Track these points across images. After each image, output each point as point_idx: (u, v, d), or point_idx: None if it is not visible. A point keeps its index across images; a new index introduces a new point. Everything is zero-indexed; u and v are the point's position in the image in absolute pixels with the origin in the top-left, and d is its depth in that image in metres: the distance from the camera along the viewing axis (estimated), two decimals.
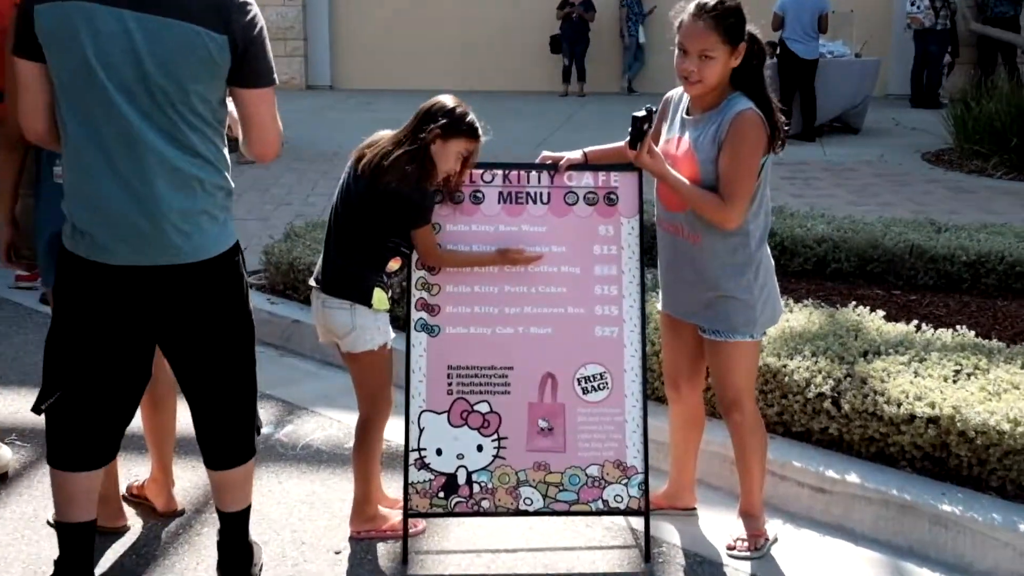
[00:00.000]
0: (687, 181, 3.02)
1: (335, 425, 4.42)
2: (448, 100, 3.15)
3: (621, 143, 3.50)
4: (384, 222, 3.14)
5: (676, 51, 3.01)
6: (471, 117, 3.17)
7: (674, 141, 3.14)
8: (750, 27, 3.02)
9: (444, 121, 3.10)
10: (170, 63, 2.52)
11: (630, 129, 2.99)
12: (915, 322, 4.40)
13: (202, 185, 2.64)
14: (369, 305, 3.19)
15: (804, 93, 11.66)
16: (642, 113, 2.99)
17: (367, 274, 3.18)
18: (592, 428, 3.37)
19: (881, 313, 4.46)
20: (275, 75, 2.68)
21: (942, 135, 11.03)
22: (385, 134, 3.21)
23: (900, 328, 4.29)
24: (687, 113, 3.13)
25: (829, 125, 12.76)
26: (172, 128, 2.56)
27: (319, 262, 3.29)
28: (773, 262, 3.20)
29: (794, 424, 3.85)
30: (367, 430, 3.34)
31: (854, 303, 4.66)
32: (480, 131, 3.19)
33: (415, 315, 3.38)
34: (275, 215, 8.12)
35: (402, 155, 3.08)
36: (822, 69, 12.02)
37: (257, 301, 5.69)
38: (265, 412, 4.55)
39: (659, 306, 3.39)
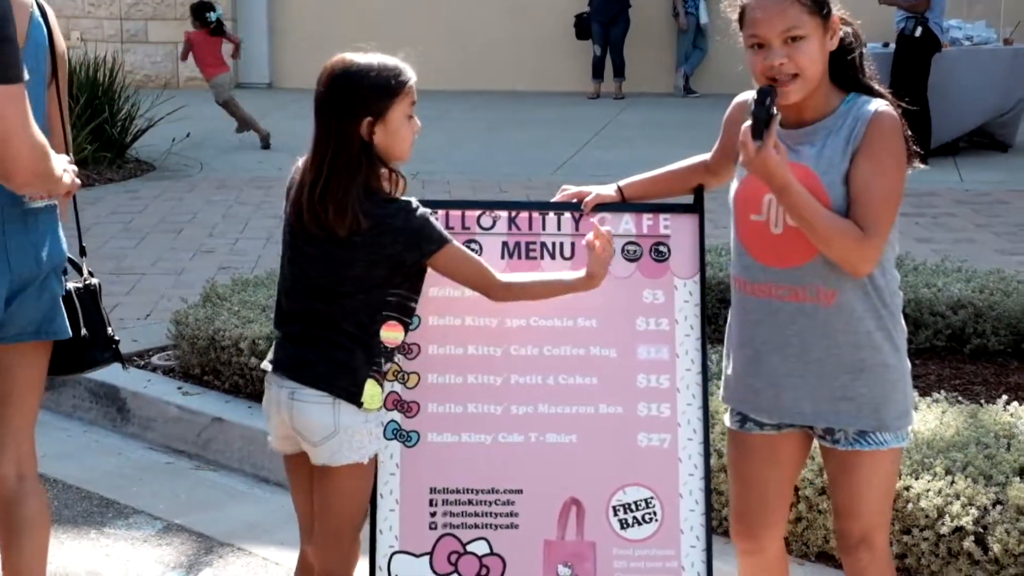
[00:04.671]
0: (813, 199, 2.97)
1: (272, 569, 4.40)
2: (346, 63, 3.13)
3: (669, 168, 3.53)
4: (370, 275, 3.13)
5: (748, 52, 3.04)
6: (389, 62, 3.15)
7: None
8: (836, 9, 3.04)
9: (369, 97, 3.09)
10: None
11: (753, 109, 2.91)
12: None
13: None
14: (359, 404, 3.17)
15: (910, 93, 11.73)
16: (767, 85, 2.93)
17: (358, 357, 3.16)
18: None
19: None
20: (22, 70, 2.85)
21: None
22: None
23: None
24: (783, 127, 3.08)
25: (968, 139, 12.82)
26: None
27: (276, 341, 3.30)
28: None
29: (921, 571, 3.82)
30: None
31: (1005, 396, 4.65)
32: (409, 70, 3.17)
33: (384, 417, 3.36)
34: (190, 267, 8.18)
35: (338, 182, 3.07)
36: (956, 61, 12.10)
37: (162, 391, 5.71)
38: (172, 550, 4.54)
39: (727, 421, 3.32)
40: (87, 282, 3.48)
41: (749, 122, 2.90)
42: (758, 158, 2.89)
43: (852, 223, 2.95)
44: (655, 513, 3.38)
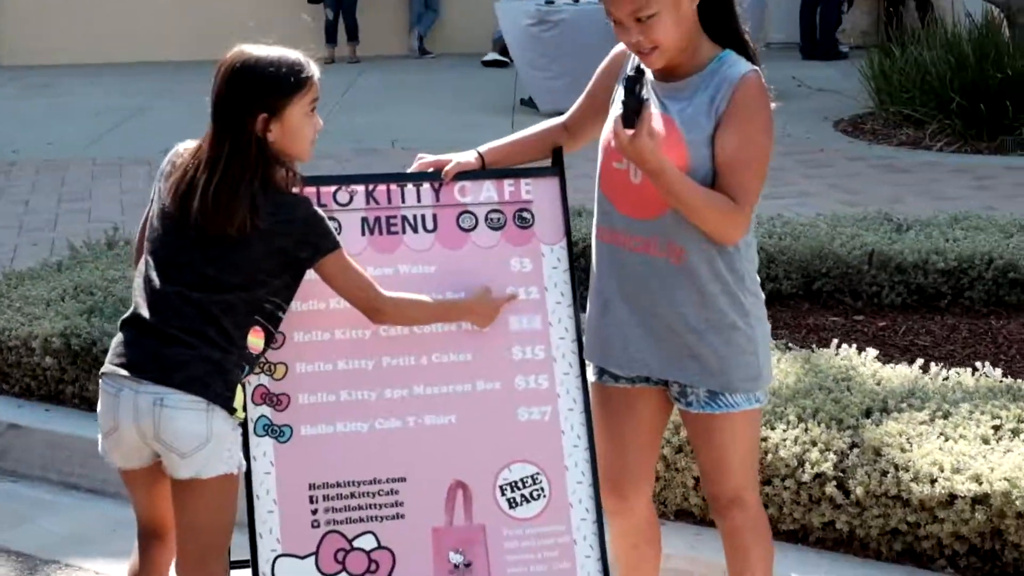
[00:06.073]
0: (687, 177, 2.98)
1: None
2: (242, 56, 2.99)
3: (526, 132, 3.49)
4: (260, 267, 2.96)
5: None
6: (289, 56, 3.01)
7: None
8: None
9: (263, 93, 2.95)
10: None
11: (623, 98, 2.89)
12: (919, 361, 4.53)
13: None
14: (232, 410, 2.98)
15: None
16: (634, 72, 2.91)
17: (231, 359, 2.97)
18: (527, 556, 3.30)
19: (873, 352, 4.55)
20: None
21: (856, 95, 11.55)
22: (191, 148, 3.03)
23: (903, 372, 4.40)
24: (657, 79, 3.09)
25: None
26: None
27: (121, 337, 3.02)
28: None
29: (784, 520, 3.86)
30: None
31: (837, 342, 4.71)
32: (313, 64, 3.05)
33: (253, 412, 3.20)
34: None
35: (232, 184, 2.90)
36: None
37: None
38: None
39: (589, 374, 3.31)
40: None
41: (620, 111, 2.90)
42: (631, 146, 2.91)
43: (722, 196, 3.00)
44: (543, 489, 3.31)
